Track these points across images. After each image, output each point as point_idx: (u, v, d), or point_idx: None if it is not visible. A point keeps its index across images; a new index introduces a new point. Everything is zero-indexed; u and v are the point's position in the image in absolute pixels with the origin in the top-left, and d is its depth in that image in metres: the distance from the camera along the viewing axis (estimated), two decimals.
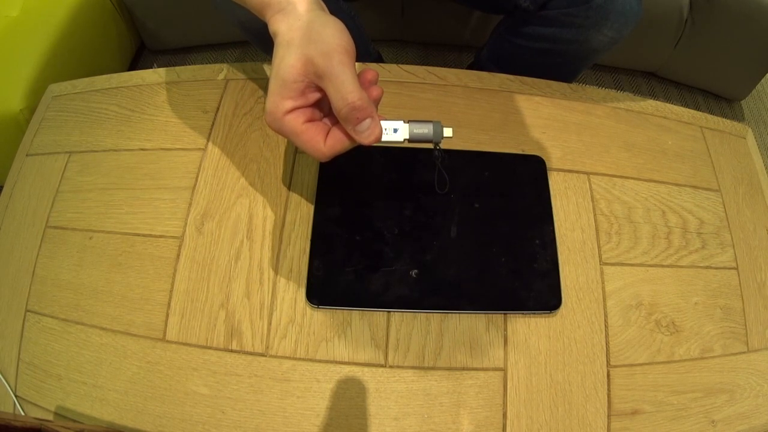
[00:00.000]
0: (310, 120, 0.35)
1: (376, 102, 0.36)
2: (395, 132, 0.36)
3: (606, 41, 0.66)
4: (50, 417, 0.43)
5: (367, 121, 0.34)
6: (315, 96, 0.35)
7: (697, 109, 1.16)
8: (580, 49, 0.69)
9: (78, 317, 0.46)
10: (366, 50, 0.82)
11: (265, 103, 0.35)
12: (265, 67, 0.58)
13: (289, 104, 0.34)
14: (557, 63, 0.73)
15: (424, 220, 0.48)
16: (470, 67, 0.91)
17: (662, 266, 0.49)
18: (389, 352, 0.44)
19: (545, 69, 0.74)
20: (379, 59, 0.88)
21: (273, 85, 0.35)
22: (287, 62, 0.34)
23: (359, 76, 0.35)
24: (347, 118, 0.34)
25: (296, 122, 0.35)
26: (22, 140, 0.57)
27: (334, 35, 0.34)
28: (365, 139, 0.34)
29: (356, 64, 0.35)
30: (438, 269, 0.46)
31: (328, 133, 0.35)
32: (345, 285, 0.46)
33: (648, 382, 0.45)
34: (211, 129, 0.54)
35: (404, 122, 0.36)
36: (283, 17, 0.35)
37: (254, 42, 0.74)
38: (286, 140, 0.53)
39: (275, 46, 0.36)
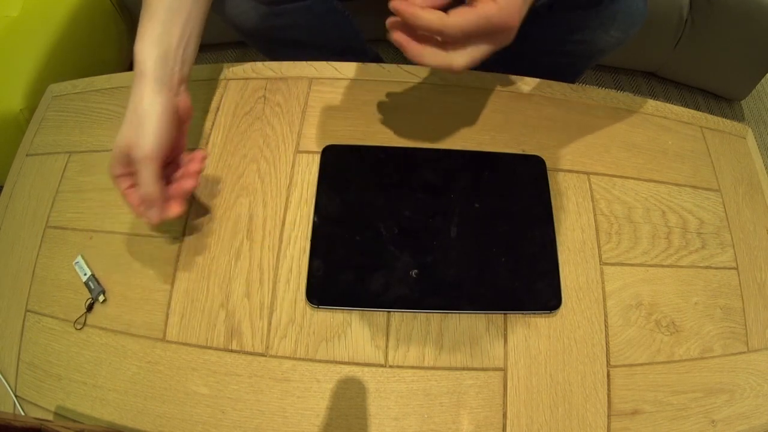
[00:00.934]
0: (132, 186, 0.43)
1: (182, 192, 0.44)
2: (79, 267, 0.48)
3: (612, 42, 0.66)
4: (50, 417, 0.43)
5: (153, 210, 0.43)
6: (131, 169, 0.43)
7: (697, 109, 1.16)
8: (585, 50, 0.69)
9: (78, 317, 0.46)
10: (362, 50, 0.82)
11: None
12: (265, 67, 0.58)
13: (117, 170, 0.43)
14: (562, 63, 0.73)
15: (424, 220, 0.48)
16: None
17: (662, 266, 0.49)
18: (389, 352, 0.44)
19: (550, 69, 0.74)
20: (377, 59, 0.88)
21: (114, 148, 0.42)
22: (119, 135, 0.42)
23: (190, 160, 0.45)
24: (143, 200, 0.42)
25: (121, 186, 0.43)
26: (22, 140, 0.57)
27: (152, 134, 0.41)
28: (148, 219, 0.43)
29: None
30: (438, 269, 0.46)
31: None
32: (345, 285, 0.46)
33: (648, 382, 0.45)
34: (211, 129, 0.54)
35: (89, 273, 0.48)
36: (134, 84, 0.43)
37: (249, 42, 0.74)
38: (286, 140, 0.53)
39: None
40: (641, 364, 0.45)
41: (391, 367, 0.44)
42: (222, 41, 1.20)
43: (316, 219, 0.48)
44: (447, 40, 0.36)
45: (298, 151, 0.52)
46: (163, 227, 0.49)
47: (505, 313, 0.46)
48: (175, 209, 0.43)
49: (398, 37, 0.38)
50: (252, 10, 0.63)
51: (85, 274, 0.47)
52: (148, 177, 0.42)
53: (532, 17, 0.68)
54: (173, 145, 0.44)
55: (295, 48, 0.71)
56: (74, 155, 0.54)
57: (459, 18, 0.35)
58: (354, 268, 0.46)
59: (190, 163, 0.45)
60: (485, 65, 0.90)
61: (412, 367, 0.44)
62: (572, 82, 0.81)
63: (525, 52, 0.75)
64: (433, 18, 0.35)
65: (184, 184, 0.44)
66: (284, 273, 0.47)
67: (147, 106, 0.42)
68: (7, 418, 0.34)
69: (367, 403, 0.43)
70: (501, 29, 0.36)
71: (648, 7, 0.64)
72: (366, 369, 0.44)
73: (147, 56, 0.43)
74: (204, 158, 0.45)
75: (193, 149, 0.47)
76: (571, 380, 0.44)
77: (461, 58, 0.37)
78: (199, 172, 0.45)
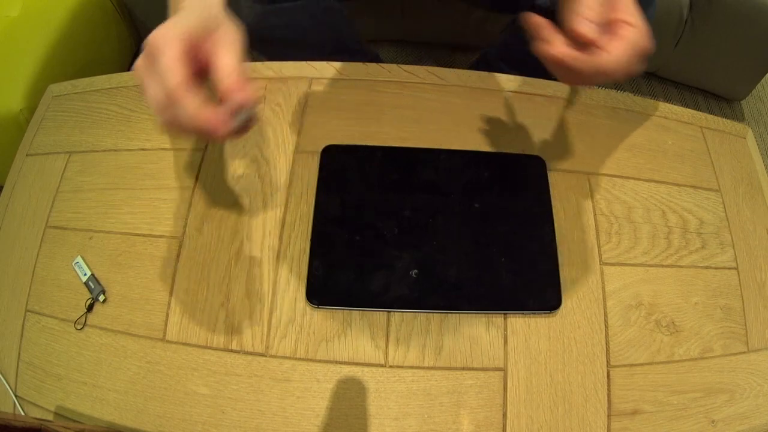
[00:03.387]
0: (187, 56, 0.34)
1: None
2: None
3: None
4: (50, 417, 0.43)
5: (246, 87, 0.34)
6: (199, 55, 0.35)
7: (697, 109, 1.16)
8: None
9: (78, 317, 0.46)
10: (359, 50, 0.82)
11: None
12: (265, 67, 0.58)
13: (182, 35, 0.33)
14: None
15: (424, 220, 0.48)
16: (474, 66, 0.90)
17: (662, 266, 0.49)
18: (389, 352, 0.44)
19: None
20: (375, 59, 0.88)
21: (171, 21, 0.34)
22: (195, 15, 0.35)
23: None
24: (233, 73, 0.34)
25: (177, 49, 0.33)
26: (22, 140, 0.57)
27: (236, 35, 0.37)
28: (240, 92, 0.33)
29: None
30: (438, 269, 0.46)
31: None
32: (345, 285, 0.46)
33: (648, 382, 0.45)
34: None
35: (89, 273, 0.47)
36: None
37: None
38: (286, 140, 0.53)
39: (182, 4, 0.36)
40: (641, 364, 0.45)
41: (391, 367, 0.44)
42: None
43: (316, 219, 0.48)
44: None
45: (298, 151, 0.52)
46: (162, 227, 0.49)
47: (505, 313, 0.46)
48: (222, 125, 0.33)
49: (557, 51, 0.36)
50: (247, 9, 0.63)
51: (85, 275, 0.47)
52: (238, 60, 0.34)
53: (544, 16, 0.68)
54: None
55: (291, 47, 0.71)
56: (74, 155, 0.54)
57: (620, 52, 0.35)
58: (354, 268, 0.46)
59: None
60: (491, 64, 0.88)
61: (412, 367, 0.44)
62: None
63: (533, 52, 0.74)
64: (587, 20, 0.35)
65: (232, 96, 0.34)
66: (284, 273, 0.47)
67: (230, 16, 0.37)
68: (7, 418, 0.34)
69: (367, 403, 0.43)
70: (644, 54, 0.37)
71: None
72: (366, 369, 0.44)
73: None
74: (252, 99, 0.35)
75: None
76: (571, 380, 0.44)
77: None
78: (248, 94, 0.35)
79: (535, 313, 0.46)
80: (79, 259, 0.48)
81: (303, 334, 0.45)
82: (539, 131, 0.55)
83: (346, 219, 0.48)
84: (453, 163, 0.51)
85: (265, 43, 0.73)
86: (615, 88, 1.23)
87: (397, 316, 0.45)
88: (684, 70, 1.19)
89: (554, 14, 0.66)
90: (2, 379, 0.45)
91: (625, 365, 0.45)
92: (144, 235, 0.49)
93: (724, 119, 0.59)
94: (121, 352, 0.45)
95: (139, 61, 0.34)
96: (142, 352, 0.45)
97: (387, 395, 0.43)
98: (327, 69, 0.57)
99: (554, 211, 0.50)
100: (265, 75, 0.57)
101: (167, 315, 0.46)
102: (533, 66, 0.73)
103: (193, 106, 0.32)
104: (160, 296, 0.46)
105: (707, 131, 0.58)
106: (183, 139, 0.33)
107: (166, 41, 0.33)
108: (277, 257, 0.47)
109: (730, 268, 0.50)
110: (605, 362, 0.45)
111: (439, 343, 0.45)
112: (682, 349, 0.46)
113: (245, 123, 0.35)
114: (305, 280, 0.46)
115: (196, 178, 0.51)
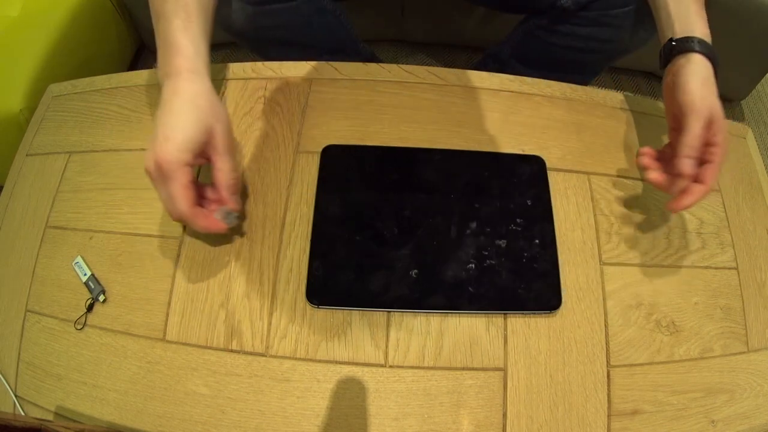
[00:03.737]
0: (193, 182, 0.41)
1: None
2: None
3: (637, 42, 0.67)
4: (50, 417, 0.43)
5: (236, 196, 0.44)
6: (201, 161, 0.43)
7: None
8: (612, 49, 0.70)
9: (78, 317, 0.46)
10: (355, 49, 0.82)
11: (156, 144, 0.39)
12: (265, 67, 0.58)
13: (189, 158, 0.40)
14: (586, 61, 0.74)
15: (424, 220, 0.48)
16: (481, 64, 0.90)
17: (662, 266, 0.49)
18: (389, 352, 0.44)
19: (573, 66, 0.74)
20: (372, 59, 0.88)
21: (176, 134, 0.39)
22: (194, 122, 0.40)
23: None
24: (230, 187, 0.43)
25: (186, 178, 0.40)
26: (22, 140, 0.57)
27: (227, 119, 0.44)
28: (232, 203, 0.43)
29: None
30: (438, 269, 0.46)
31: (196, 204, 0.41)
32: (345, 285, 0.46)
33: (648, 382, 0.45)
34: None
35: (89, 273, 0.48)
36: (192, 77, 0.42)
37: (239, 42, 0.74)
38: (286, 140, 0.53)
39: (176, 96, 0.41)
40: (641, 364, 0.45)
41: (391, 367, 0.44)
42: (222, 41, 1.20)
43: (316, 219, 0.48)
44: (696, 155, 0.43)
45: (298, 151, 0.52)
46: (162, 227, 0.49)
47: (505, 313, 0.46)
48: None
49: (657, 177, 0.45)
50: (240, 10, 0.64)
51: (85, 275, 0.47)
52: (234, 160, 0.44)
53: (563, 15, 0.69)
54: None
55: (286, 47, 0.71)
56: (74, 155, 0.54)
57: (713, 177, 0.43)
58: (354, 268, 0.46)
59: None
60: (504, 63, 0.87)
61: (412, 367, 0.44)
62: (591, 79, 0.81)
63: (550, 50, 0.75)
64: (690, 159, 0.43)
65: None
66: (284, 273, 0.47)
67: (217, 98, 0.43)
68: (7, 418, 0.34)
69: (367, 403, 0.43)
70: (708, 114, 0.43)
71: None
72: (366, 369, 0.44)
73: (195, 49, 0.44)
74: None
75: None
76: (571, 380, 0.44)
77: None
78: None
79: (535, 313, 0.46)
80: (79, 259, 0.48)
81: (303, 334, 0.45)
82: (539, 131, 0.55)
83: (346, 219, 0.48)
84: (453, 163, 0.51)
85: (258, 43, 0.73)
86: (615, 89, 1.23)
87: (397, 316, 0.45)
88: None
89: (573, 14, 0.66)
90: (2, 379, 0.45)
91: (625, 365, 0.45)
92: (144, 235, 0.49)
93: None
94: (121, 352, 0.45)
95: (151, 168, 0.39)
96: (142, 352, 0.45)
97: (387, 395, 0.43)
98: (327, 69, 0.57)
99: (554, 211, 0.50)
100: (265, 75, 0.57)
101: (167, 315, 0.46)
102: (548, 64, 0.74)
103: (200, 225, 0.41)
104: (160, 296, 0.46)
105: None
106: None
107: (177, 168, 0.39)
108: (277, 257, 0.47)
109: (730, 268, 0.50)
110: (605, 362, 0.45)
111: (439, 343, 0.45)
112: (682, 349, 0.46)
113: (237, 220, 0.46)
114: (305, 280, 0.46)
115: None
